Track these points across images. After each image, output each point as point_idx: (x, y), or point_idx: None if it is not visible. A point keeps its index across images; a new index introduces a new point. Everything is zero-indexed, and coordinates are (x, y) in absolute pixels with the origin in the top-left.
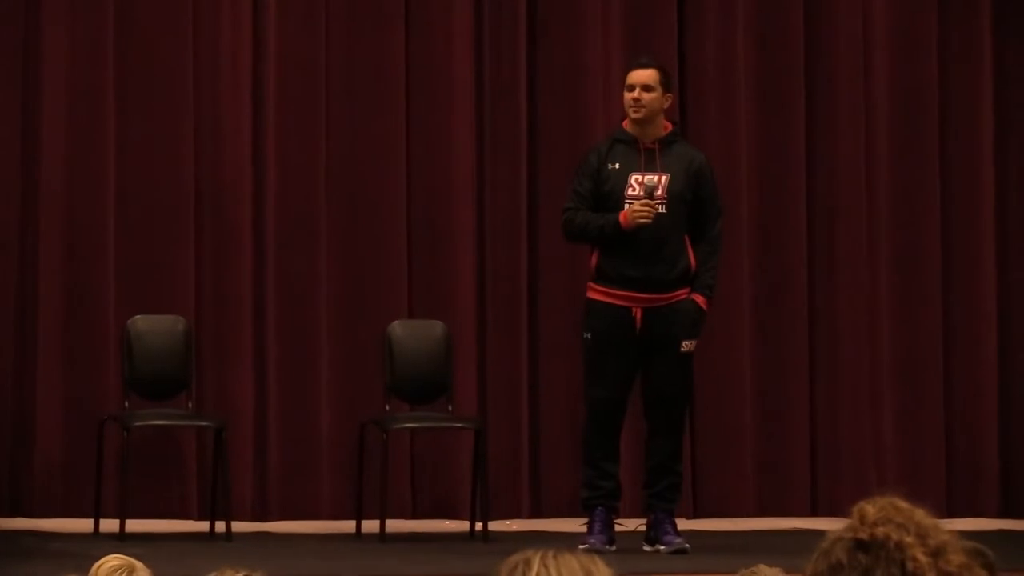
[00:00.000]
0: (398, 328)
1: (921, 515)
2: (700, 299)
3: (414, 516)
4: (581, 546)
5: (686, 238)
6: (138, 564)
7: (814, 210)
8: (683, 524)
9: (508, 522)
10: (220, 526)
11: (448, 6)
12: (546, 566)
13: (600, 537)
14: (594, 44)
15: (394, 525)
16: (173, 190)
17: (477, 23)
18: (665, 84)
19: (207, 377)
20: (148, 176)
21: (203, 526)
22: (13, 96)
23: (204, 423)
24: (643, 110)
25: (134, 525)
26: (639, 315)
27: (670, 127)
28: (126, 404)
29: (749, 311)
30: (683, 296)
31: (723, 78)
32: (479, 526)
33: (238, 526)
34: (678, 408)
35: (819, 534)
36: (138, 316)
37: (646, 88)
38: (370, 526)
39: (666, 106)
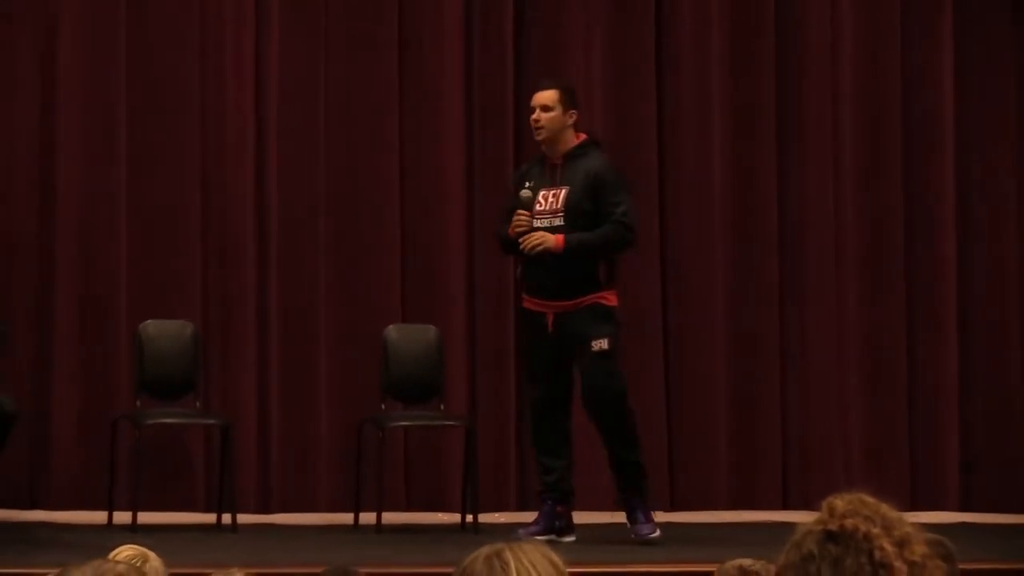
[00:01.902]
0: (393, 332)
1: (886, 509)
2: (560, 238)
3: (408, 509)
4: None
5: None
6: (151, 554)
7: (785, 221)
8: (660, 516)
9: (496, 514)
10: (226, 518)
11: (439, 29)
12: (518, 557)
13: (533, 528)
14: (575, 65)
15: (389, 517)
16: (180, 203)
17: (467, 43)
18: (567, 102)
19: (213, 378)
20: (157, 190)
21: (210, 518)
22: (31, 113)
23: (211, 421)
24: (543, 131)
25: (145, 517)
26: (551, 319)
27: (581, 139)
28: (138, 404)
29: (723, 316)
30: (590, 301)
31: (698, 101)
32: (470, 518)
33: (243, 518)
34: (607, 405)
35: (790, 527)
36: (148, 321)
37: (545, 108)
38: (367, 518)
39: (570, 122)
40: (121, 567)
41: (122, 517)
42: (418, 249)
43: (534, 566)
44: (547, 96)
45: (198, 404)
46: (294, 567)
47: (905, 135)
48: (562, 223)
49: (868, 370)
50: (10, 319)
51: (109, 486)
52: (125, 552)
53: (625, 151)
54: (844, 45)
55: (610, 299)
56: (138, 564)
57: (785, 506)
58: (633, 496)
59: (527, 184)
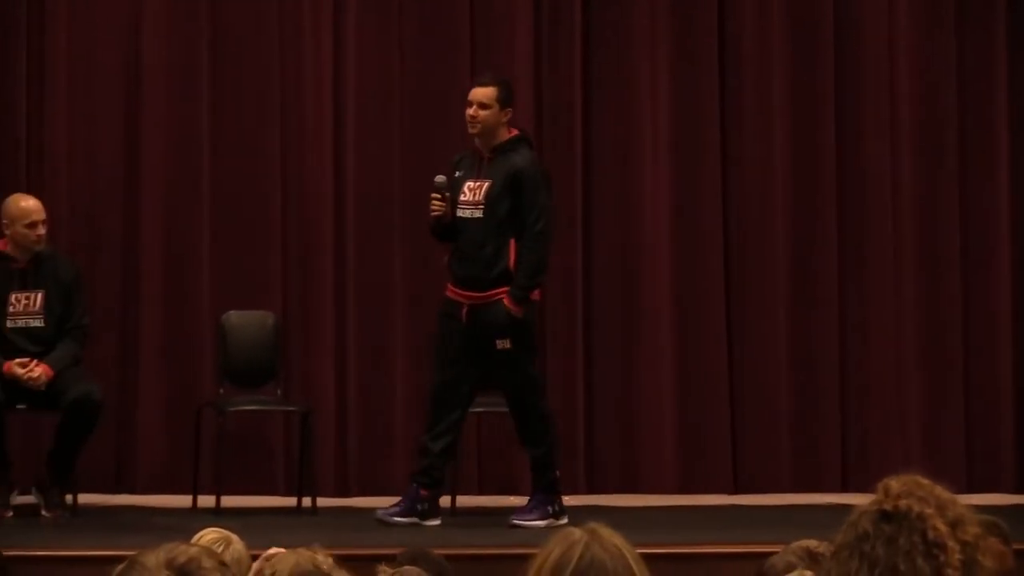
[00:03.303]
0: None
1: (940, 490)
2: (507, 301)
3: (481, 492)
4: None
5: (512, 241)
6: (233, 537)
7: (844, 213)
8: (724, 499)
9: (565, 497)
10: (306, 501)
11: (509, 25)
12: (612, 537)
13: (394, 509)
14: (643, 64)
15: (463, 500)
16: (262, 198)
17: (536, 40)
18: (503, 100)
19: (293, 367)
20: (239, 184)
21: (290, 501)
22: (115, 108)
23: (291, 408)
24: (478, 126)
25: (228, 501)
26: (466, 311)
27: (512, 135)
28: (221, 391)
29: (784, 305)
30: (500, 295)
31: (760, 92)
32: None
33: (322, 501)
34: (516, 399)
35: (851, 508)
36: (231, 311)
37: (481, 105)
38: (442, 501)
39: (504, 120)
40: (193, 549)
41: (206, 501)
42: None
43: (624, 548)
44: (485, 93)
45: (279, 392)
46: (372, 549)
47: (961, 128)
48: (481, 215)
49: (925, 355)
50: (97, 311)
51: (193, 471)
52: (208, 536)
53: (688, 150)
54: (900, 40)
55: (508, 298)
56: (220, 548)
57: (845, 488)
58: (538, 487)
59: (457, 174)
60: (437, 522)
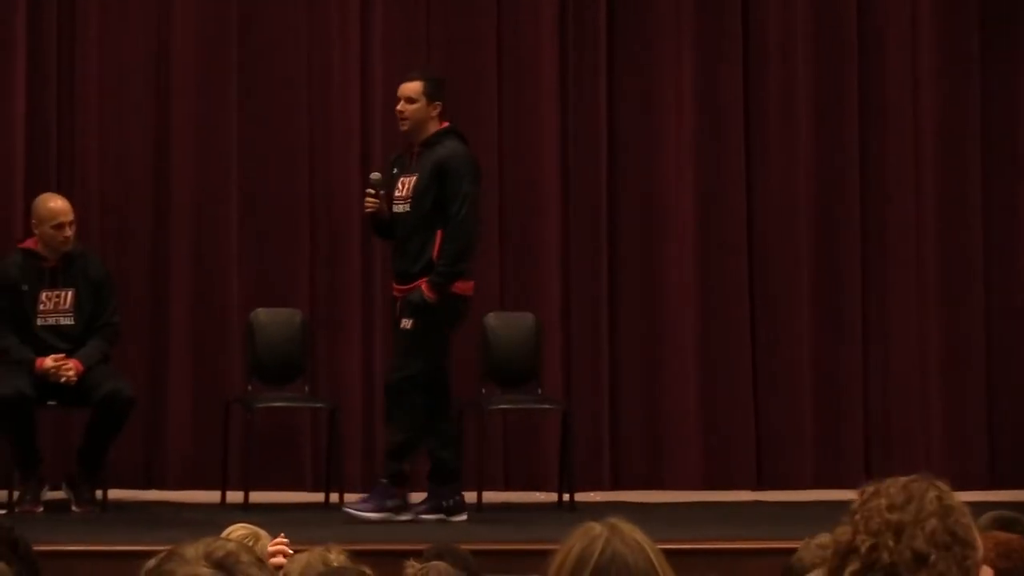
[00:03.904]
0: (492, 319)
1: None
2: (425, 287)
3: (507, 488)
4: None
5: (439, 233)
6: (262, 532)
7: (867, 211)
8: (748, 495)
9: (592, 493)
10: (333, 497)
11: (537, 27)
12: (632, 532)
13: (420, 507)
14: (667, 63)
15: (490, 496)
16: (290, 196)
17: (561, 40)
18: (431, 94)
19: (321, 364)
20: (267, 183)
21: (318, 497)
22: (145, 108)
23: (318, 405)
24: (407, 122)
25: (256, 496)
26: (399, 305)
27: (440, 127)
28: (249, 388)
29: (808, 302)
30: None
31: (784, 95)
32: (566, 497)
33: (349, 497)
34: (395, 379)
35: None
36: (259, 309)
37: (408, 100)
38: (468, 497)
39: (434, 114)
40: (231, 544)
41: (234, 496)
42: (515, 239)
43: (645, 543)
44: (412, 88)
45: (306, 388)
46: (399, 544)
47: (984, 127)
48: (408, 209)
49: (948, 351)
50: (126, 308)
51: (222, 467)
52: (237, 531)
53: (713, 148)
54: (924, 44)
55: (426, 284)
56: (250, 543)
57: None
58: (384, 475)
59: (394, 170)
60: (464, 516)
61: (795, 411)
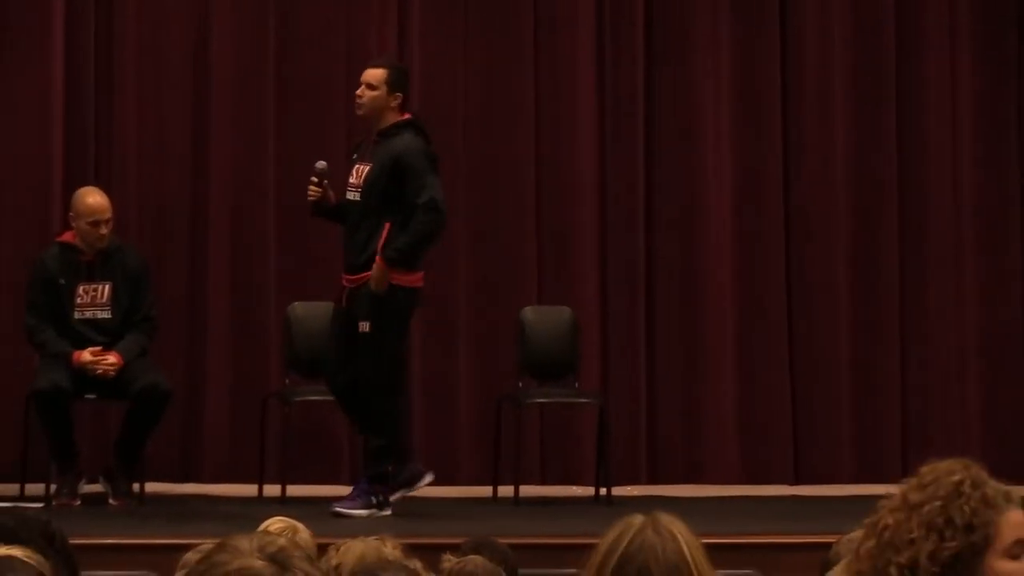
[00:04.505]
0: (530, 313)
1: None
2: (379, 260)
3: (544, 482)
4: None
5: (386, 226)
6: (300, 525)
7: (905, 206)
8: (786, 490)
9: (628, 487)
10: None
11: (572, 19)
12: (670, 525)
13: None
14: (705, 54)
15: (527, 490)
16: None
17: (598, 33)
18: (392, 84)
19: None
20: (305, 177)
21: None
22: (184, 103)
23: None
24: (363, 107)
25: (294, 490)
26: (345, 295)
27: (399, 119)
28: (286, 382)
29: (846, 295)
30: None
31: (821, 87)
32: (603, 491)
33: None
34: (367, 386)
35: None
36: (296, 303)
37: (369, 86)
38: (505, 491)
39: (393, 104)
40: (283, 540)
41: (272, 490)
42: (553, 233)
43: (687, 534)
44: (374, 74)
45: None
46: (436, 538)
47: (1022, 120)
48: (358, 198)
49: (986, 343)
50: (164, 301)
51: (259, 460)
52: (275, 525)
53: (751, 141)
54: (962, 43)
55: (395, 277)
56: (288, 535)
57: (906, 478)
58: (365, 475)
59: (354, 156)
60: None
61: (833, 405)
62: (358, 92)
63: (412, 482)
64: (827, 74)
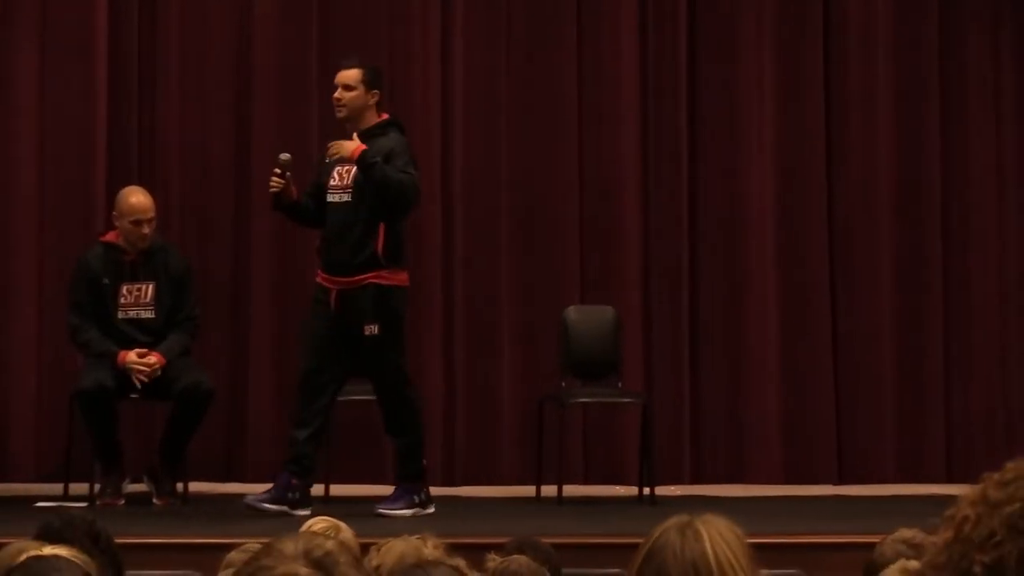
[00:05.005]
0: (573, 312)
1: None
2: (360, 147)
3: (587, 482)
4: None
5: (381, 226)
6: (342, 525)
7: (948, 205)
8: (829, 490)
9: (672, 487)
10: None
11: (615, 17)
12: (708, 527)
13: (263, 496)
14: (747, 58)
15: (570, 490)
16: None
17: (642, 31)
18: (369, 82)
19: None
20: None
21: None
22: (226, 103)
23: None
24: (344, 109)
25: (337, 489)
26: (335, 296)
27: (380, 119)
28: None
29: (889, 294)
30: (370, 281)
31: (865, 96)
32: (646, 490)
33: (430, 490)
34: (383, 386)
35: (955, 499)
36: None
37: (346, 87)
38: (548, 491)
39: (371, 102)
40: (330, 543)
41: (315, 489)
42: (596, 233)
43: (722, 536)
44: (349, 75)
45: None
46: (480, 537)
47: None
48: (350, 199)
49: None
50: (207, 301)
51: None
52: (319, 524)
53: (794, 142)
54: (1004, 48)
55: (390, 278)
56: (331, 535)
57: (950, 479)
58: (400, 473)
59: (327, 159)
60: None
61: (877, 405)
62: (335, 95)
63: (297, 505)
64: (870, 74)
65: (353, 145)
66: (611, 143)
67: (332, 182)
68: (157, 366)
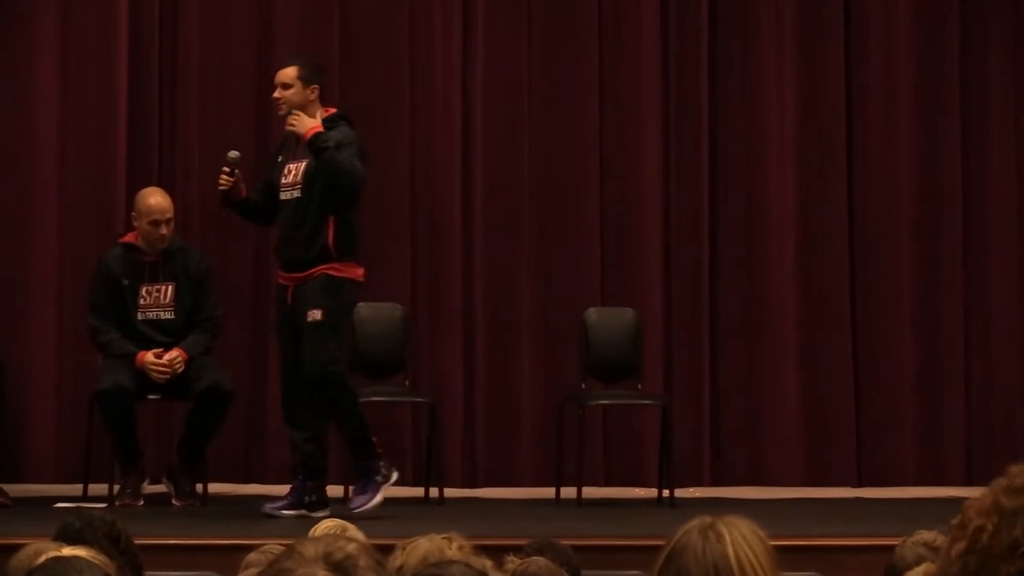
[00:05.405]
0: (593, 314)
1: None
2: (314, 128)
3: (607, 484)
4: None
5: (330, 219)
6: (350, 526)
7: (969, 203)
8: (849, 492)
9: (691, 489)
10: (434, 492)
11: (636, 19)
12: (731, 529)
13: (281, 502)
14: (767, 57)
15: (589, 492)
16: (391, 193)
17: (663, 32)
18: (306, 78)
19: (422, 358)
20: (369, 178)
21: (418, 492)
22: (247, 108)
23: (419, 400)
24: (284, 107)
25: None
26: (290, 293)
27: (327, 113)
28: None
29: (909, 297)
30: (320, 272)
31: (885, 106)
32: (666, 493)
33: (449, 492)
34: (313, 378)
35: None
36: (360, 304)
37: (284, 86)
38: (568, 492)
39: (312, 98)
40: (352, 546)
41: (335, 490)
42: (616, 234)
43: (744, 538)
44: (286, 74)
45: (407, 383)
46: (499, 539)
47: None
48: (300, 195)
49: None
50: (227, 302)
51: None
52: (326, 524)
53: (814, 145)
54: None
55: (342, 270)
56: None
57: (969, 482)
58: (354, 470)
59: (279, 157)
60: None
61: (896, 407)
62: (275, 95)
63: (315, 507)
64: (891, 83)
65: (311, 123)
66: (632, 145)
67: (283, 180)
68: (179, 360)
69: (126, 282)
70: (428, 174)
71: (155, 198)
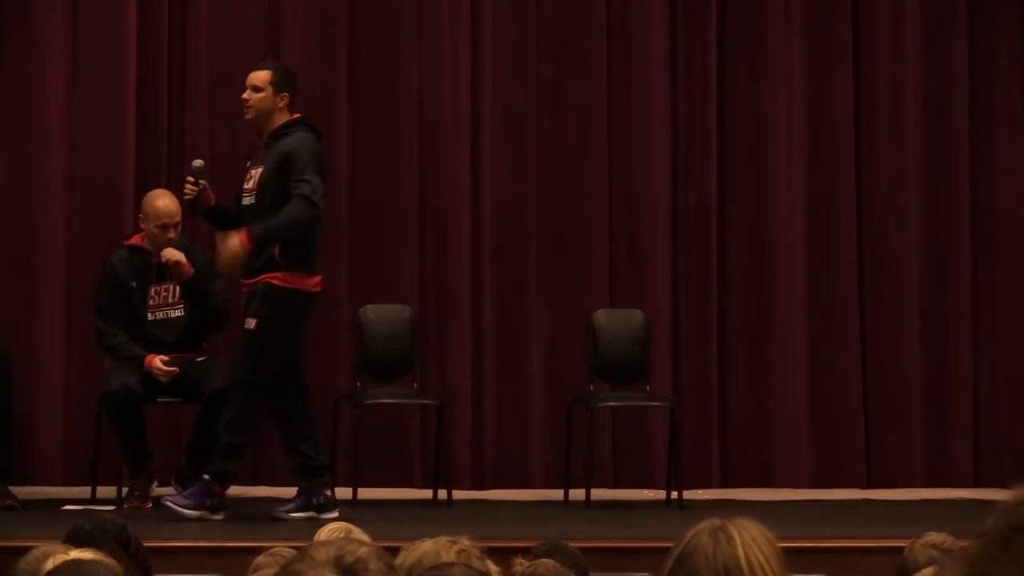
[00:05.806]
0: (601, 316)
1: None
2: (243, 232)
3: (616, 486)
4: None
5: None
6: (355, 528)
7: (977, 207)
8: (857, 494)
9: (700, 491)
10: (442, 494)
11: (645, 20)
12: (740, 531)
13: (288, 507)
14: (776, 58)
15: (598, 493)
16: (399, 195)
17: (671, 34)
18: (278, 84)
19: (430, 360)
20: (377, 181)
21: (427, 494)
22: None
23: (427, 401)
24: (251, 110)
25: (365, 493)
26: (244, 300)
27: (289, 119)
28: (358, 384)
29: (917, 299)
30: (263, 280)
31: (893, 111)
32: (674, 494)
33: (458, 494)
34: (238, 381)
35: (983, 504)
36: (368, 306)
37: (254, 88)
38: (576, 494)
39: (281, 104)
40: (364, 550)
41: (343, 492)
42: (625, 236)
43: (755, 540)
44: (258, 77)
45: (415, 385)
46: (508, 541)
47: None
48: (253, 201)
49: None
50: (234, 306)
51: (331, 462)
52: (330, 526)
53: (822, 147)
54: None
55: (288, 281)
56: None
57: (977, 484)
58: (210, 472)
59: (248, 163)
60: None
61: (905, 409)
62: (244, 96)
63: (324, 508)
64: (899, 88)
65: (236, 241)
66: (641, 149)
67: (245, 185)
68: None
69: (134, 284)
70: (437, 176)
71: (163, 201)
